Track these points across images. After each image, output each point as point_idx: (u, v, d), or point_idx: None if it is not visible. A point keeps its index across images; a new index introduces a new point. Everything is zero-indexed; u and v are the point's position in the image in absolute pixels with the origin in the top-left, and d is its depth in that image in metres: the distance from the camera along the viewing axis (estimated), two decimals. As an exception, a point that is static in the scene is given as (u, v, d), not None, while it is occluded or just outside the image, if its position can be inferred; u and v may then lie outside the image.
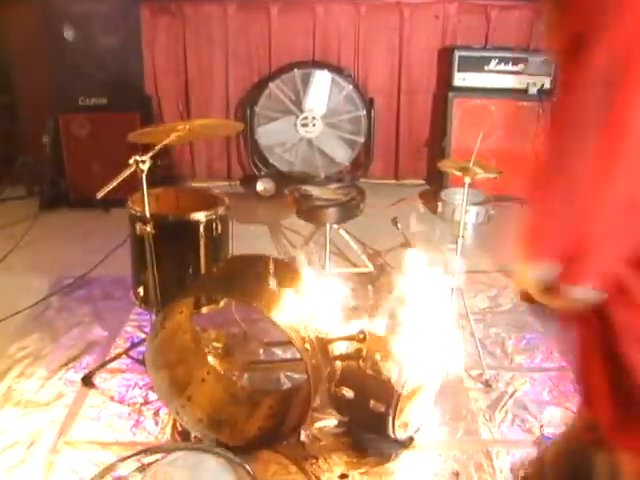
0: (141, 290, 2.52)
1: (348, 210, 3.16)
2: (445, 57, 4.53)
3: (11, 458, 2.12)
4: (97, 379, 2.52)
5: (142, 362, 2.44)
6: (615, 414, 1.00)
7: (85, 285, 3.30)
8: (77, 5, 4.04)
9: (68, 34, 4.05)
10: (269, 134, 4.58)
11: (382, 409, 2.04)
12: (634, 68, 0.80)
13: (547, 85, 4.26)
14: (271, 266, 2.15)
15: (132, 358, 2.61)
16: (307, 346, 1.97)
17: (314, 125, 4.52)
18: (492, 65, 4.32)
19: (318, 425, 2.26)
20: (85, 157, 4.20)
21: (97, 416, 2.33)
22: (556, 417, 2.36)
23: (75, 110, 4.18)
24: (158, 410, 2.35)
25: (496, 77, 4.33)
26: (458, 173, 2.62)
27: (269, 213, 4.31)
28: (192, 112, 4.69)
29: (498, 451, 2.19)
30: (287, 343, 2.53)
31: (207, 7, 4.50)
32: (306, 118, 4.50)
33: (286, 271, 2.24)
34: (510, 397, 2.47)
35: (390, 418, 2.03)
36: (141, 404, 2.40)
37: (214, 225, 2.53)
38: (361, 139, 4.61)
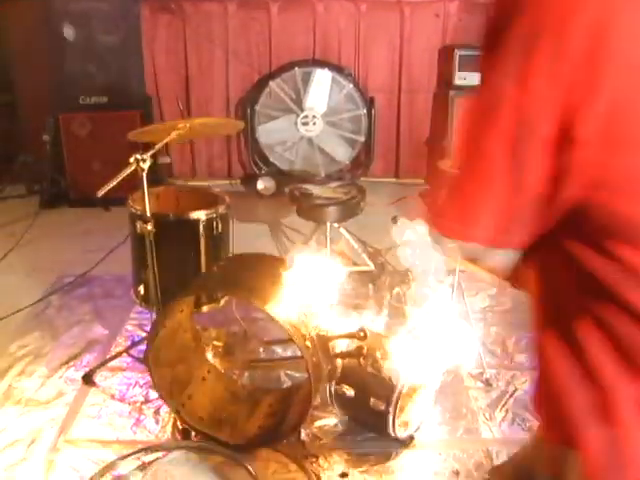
0: (141, 289, 2.53)
1: (348, 209, 3.16)
2: (446, 56, 4.52)
3: (12, 456, 2.12)
4: (98, 377, 2.52)
5: (143, 360, 2.44)
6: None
7: (85, 283, 3.29)
8: (77, 4, 4.05)
9: (68, 33, 4.06)
10: (269, 133, 4.58)
11: (382, 407, 2.03)
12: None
13: (547, 84, 4.26)
14: (271, 265, 2.15)
15: (133, 356, 2.60)
16: (308, 344, 1.96)
17: (314, 124, 4.52)
18: (493, 64, 4.32)
19: (318, 424, 2.25)
20: (85, 156, 4.21)
21: (98, 414, 2.33)
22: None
23: (75, 109, 4.18)
24: (159, 408, 2.34)
25: (497, 76, 4.33)
26: (458, 172, 2.61)
27: (269, 212, 4.31)
28: (192, 111, 4.68)
29: (498, 450, 2.18)
30: (287, 341, 2.54)
31: (207, 5, 4.50)
32: (306, 117, 4.50)
33: (284, 268, 2.23)
34: (510, 396, 2.47)
35: (390, 416, 2.03)
36: (142, 402, 2.39)
37: (214, 224, 2.53)
38: (361, 138, 4.61)
